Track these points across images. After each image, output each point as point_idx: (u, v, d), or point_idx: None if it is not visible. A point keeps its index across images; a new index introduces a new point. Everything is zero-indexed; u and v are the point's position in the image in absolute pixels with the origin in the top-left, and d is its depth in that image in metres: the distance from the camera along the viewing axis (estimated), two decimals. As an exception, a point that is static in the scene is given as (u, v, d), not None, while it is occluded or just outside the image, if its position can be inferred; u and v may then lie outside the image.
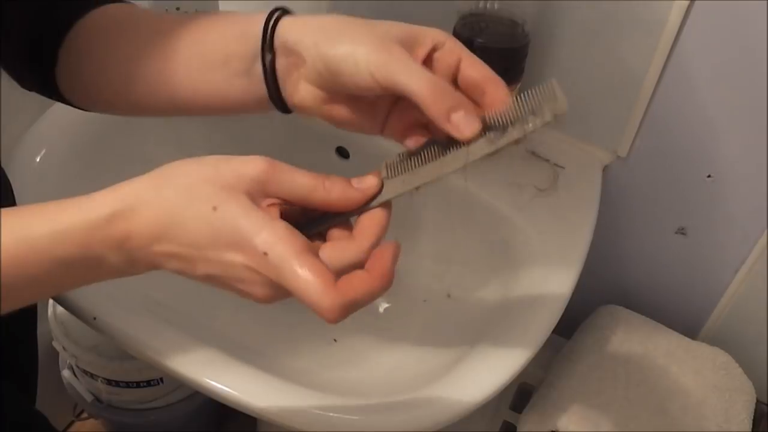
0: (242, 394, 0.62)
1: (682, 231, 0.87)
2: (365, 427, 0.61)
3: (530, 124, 0.42)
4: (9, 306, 0.40)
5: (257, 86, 0.49)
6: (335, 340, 0.81)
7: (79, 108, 0.58)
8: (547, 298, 0.70)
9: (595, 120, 0.82)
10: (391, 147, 0.83)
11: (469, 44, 0.74)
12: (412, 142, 0.47)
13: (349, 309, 0.38)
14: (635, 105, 0.79)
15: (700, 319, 0.94)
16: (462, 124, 0.43)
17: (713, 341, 0.90)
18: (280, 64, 0.48)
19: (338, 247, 0.41)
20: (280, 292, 0.40)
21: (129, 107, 0.55)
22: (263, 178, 0.40)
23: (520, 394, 0.98)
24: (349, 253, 0.40)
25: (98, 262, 0.41)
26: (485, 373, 0.65)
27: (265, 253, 0.38)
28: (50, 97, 0.57)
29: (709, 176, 0.81)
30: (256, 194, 0.40)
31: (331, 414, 0.61)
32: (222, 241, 0.39)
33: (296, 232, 0.39)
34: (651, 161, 0.83)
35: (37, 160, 0.78)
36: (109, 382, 1.03)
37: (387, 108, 0.48)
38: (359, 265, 0.40)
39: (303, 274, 0.38)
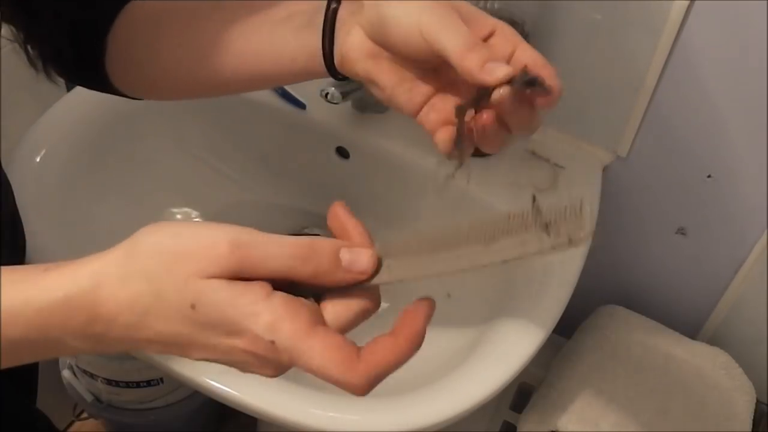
0: (242, 394, 0.62)
1: (682, 231, 0.87)
2: (365, 427, 0.61)
3: (539, 244, 0.36)
4: None
5: (313, 38, 0.48)
6: (335, 340, 0.81)
7: (133, 98, 0.58)
8: (547, 298, 0.70)
9: (595, 120, 0.82)
10: (391, 148, 0.83)
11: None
12: (442, 134, 0.46)
13: (377, 380, 0.35)
14: (635, 105, 0.78)
15: (700, 319, 0.94)
16: (496, 69, 0.41)
17: (713, 341, 0.90)
18: (341, 13, 0.48)
19: (342, 303, 0.37)
20: (293, 366, 0.36)
21: (183, 87, 0.55)
22: (234, 265, 0.34)
23: (520, 394, 0.98)
24: (356, 305, 0.37)
25: (59, 344, 0.37)
26: (485, 373, 0.65)
27: (273, 341, 0.34)
28: (102, 89, 0.57)
29: (709, 176, 0.81)
30: (232, 277, 0.35)
31: (331, 414, 0.61)
32: (213, 332, 0.35)
33: (295, 302, 0.35)
34: (651, 161, 0.83)
35: (37, 160, 0.78)
36: (109, 382, 1.03)
37: (430, 92, 0.47)
38: (371, 312, 0.37)
39: (320, 354, 0.34)
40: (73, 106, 0.84)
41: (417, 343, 0.36)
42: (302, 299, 0.35)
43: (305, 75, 0.51)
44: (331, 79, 0.79)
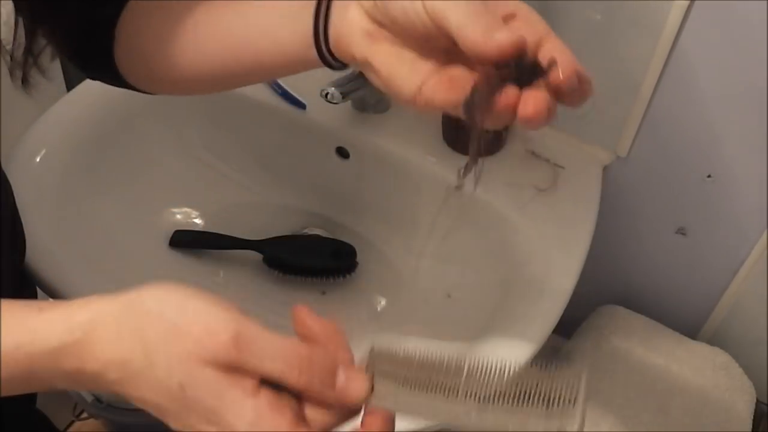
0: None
1: (682, 231, 0.87)
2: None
3: (529, 424, 0.33)
4: None
5: (307, 19, 0.45)
6: (335, 340, 0.81)
7: (145, 92, 0.57)
8: (547, 298, 0.70)
9: (595, 120, 0.82)
10: (391, 148, 0.83)
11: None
12: (450, 94, 0.41)
13: None
14: (635, 105, 0.79)
15: (700, 319, 0.94)
16: (502, 39, 0.37)
17: (713, 341, 0.90)
18: None
19: (323, 412, 0.36)
20: None
21: (188, 79, 0.54)
22: (232, 358, 0.34)
23: (520, 394, 0.98)
24: (332, 417, 0.36)
25: (47, 384, 0.38)
26: (485, 373, 0.65)
27: None
28: (117, 84, 0.57)
29: (709, 176, 0.81)
30: (225, 367, 0.34)
31: (331, 414, 0.61)
32: (196, 416, 0.34)
33: (280, 401, 0.34)
34: (651, 161, 0.83)
35: (37, 160, 0.78)
36: (109, 382, 1.02)
37: (431, 68, 0.42)
38: (351, 417, 0.36)
39: None
40: (73, 106, 0.84)
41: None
42: (286, 395, 0.35)
43: (300, 62, 0.48)
44: (331, 79, 0.79)
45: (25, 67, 0.50)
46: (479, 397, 0.33)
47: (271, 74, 0.53)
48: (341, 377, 0.35)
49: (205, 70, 0.52)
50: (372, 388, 0.34)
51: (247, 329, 0.35)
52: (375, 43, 0.43)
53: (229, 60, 0.51)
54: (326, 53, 0.46)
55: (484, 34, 0.37)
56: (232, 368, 0.34)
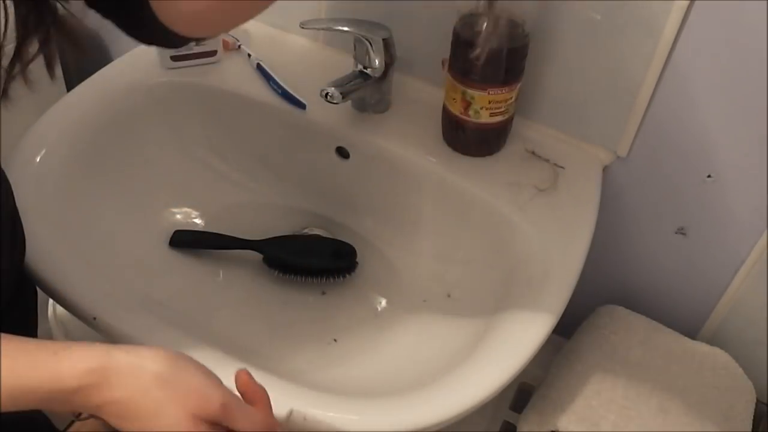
0: (242, 394, 0.62)
1: (682, 231, 0.87)
2: (365, 427, 0.61)
3: None
4: None
5: None
6: (335, 340, 0.81)
7: (183, 37, 0.57)
8: (547, 298, 0.70)
9: (595, 120, 0.82)
10: (391, 148, 0.83)
11: (469, 44, 0.74)
12: None
13: None
14: (635, 105, 0.79)
15: (700, 319, 0.94)
16: None
17: (713, 341, 0.90)
18: None
19: None
20: None
21: (218, 11, 0.54)
22: (218, 418, 0.48)
23: (520, 394, 0.98)
24: None
25: (47, 406, 0.48)
26: (485, 373, 0.65)
27: None
28: (149, 35, 0.57)
29: (709, 176, 0.81)
30: (214, 424, 0.49)
31: (331, 414, 0.61)
32: None
33: None
34: (651, 161, 0.83)
35: (37, 160, 0.78)
36: (109, 382, 1.02)
37: None
38: None
39: None
40: (73, 106, 0.84)
41: None
42: None
43: None
44: (331, 79, 0.79)
45: (7, 81, 0.50)
46: None
47: None
48: None
49: None
50: None
51: (230, 400, 0.49)
52: None
53: None
54: None
55: None
56: (217, 425, 0.48)
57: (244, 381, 0.52)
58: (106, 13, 0.57)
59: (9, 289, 0.60)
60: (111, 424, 0.48)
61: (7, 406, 0.46)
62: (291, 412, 0.53)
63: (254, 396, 0.52)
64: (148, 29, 0.56)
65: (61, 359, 0.46)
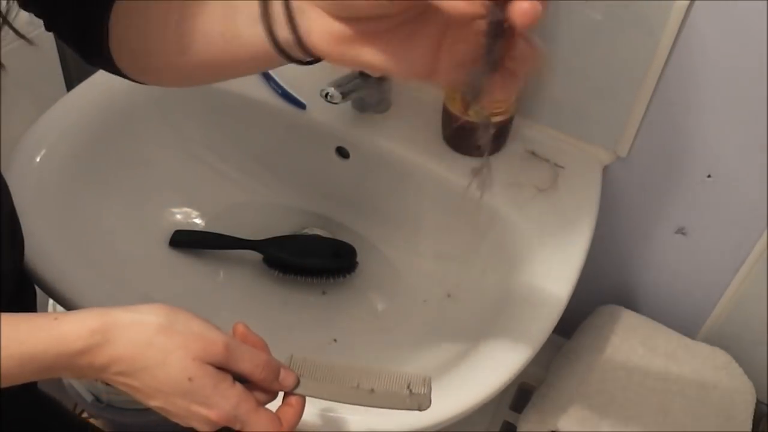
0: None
1: (682, 231, 0.87)
2: (365, 427, 0.61)
3: (398, 404, 0.53)
4: None
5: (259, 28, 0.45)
6: (335, 341, 0.81)
7: (140, 82, 0.58)
8: (547, 298, 0.70)
9: (595, 120, 0.82)
10: (391, 148, 0.83)
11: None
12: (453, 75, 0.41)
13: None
14: (635, 105, 0.79)
15: (700, 319, 0.94)
16: None
17: (713, 341, 0.90)
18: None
19: (263, 395, 0.52)
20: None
21: (173, 71, 0.54)
22: (222, 360, 0.49)
23: (520, 394, 0.98)
24: (269, 398, 0.52)
25: (53, 373, 0.47)
26: (485, 373, 0.65)
27: (235, 416, 0.49)
28: (115, 73, 0.57)
29: (709, 176, 0.81)
30: (217, 366, 0.49)
31: (331, 414, 0.61)
32: (194, 400, 0.48)
33: (247, 390, 0.50)
34: (651, 161, 0.83)
35: (37, 160, 0.78)
36: (109, 382, 1.02)
37: (430, 42, 0.41)
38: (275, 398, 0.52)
39: (265, 425, 0.50)
40: (73, 106, 0.84)
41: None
42: (248, 386, 0.50)
43: (275, 60, 0.47)
44: (331, 79, 0.79)
45: None
46: (369, 388, 0.52)
47: (253, 70, 0.54)
48: (282, 374, 0.51)
49: (183, 64, 0.51)
50: (298, 381, 0.52)
51: (231, 341, 0.49)
52: (352, 41, 0.42)
53: (205, 56, 0.50)
54: (295, 55, 0.46)
55: None
56: (221, 366, 0.48)
57: (242, 332, 0.52)
58: (64, 40, 0.57)
59: (9, 290, 0.60)
60: (119, 388, 0.48)
61: (15, 375, 0.46)
62: (291, 358, 0.53)
63: (254, 345, 0.52)
64: (108, 68, 0.57)
65: (62, 323, 0.46)
